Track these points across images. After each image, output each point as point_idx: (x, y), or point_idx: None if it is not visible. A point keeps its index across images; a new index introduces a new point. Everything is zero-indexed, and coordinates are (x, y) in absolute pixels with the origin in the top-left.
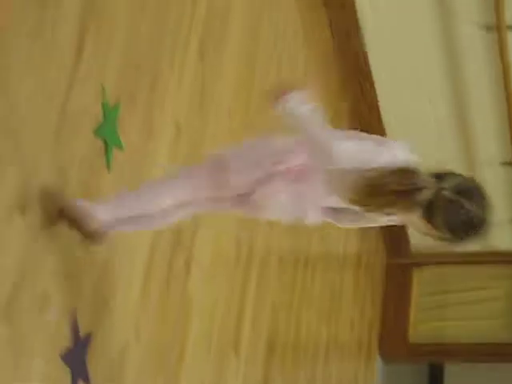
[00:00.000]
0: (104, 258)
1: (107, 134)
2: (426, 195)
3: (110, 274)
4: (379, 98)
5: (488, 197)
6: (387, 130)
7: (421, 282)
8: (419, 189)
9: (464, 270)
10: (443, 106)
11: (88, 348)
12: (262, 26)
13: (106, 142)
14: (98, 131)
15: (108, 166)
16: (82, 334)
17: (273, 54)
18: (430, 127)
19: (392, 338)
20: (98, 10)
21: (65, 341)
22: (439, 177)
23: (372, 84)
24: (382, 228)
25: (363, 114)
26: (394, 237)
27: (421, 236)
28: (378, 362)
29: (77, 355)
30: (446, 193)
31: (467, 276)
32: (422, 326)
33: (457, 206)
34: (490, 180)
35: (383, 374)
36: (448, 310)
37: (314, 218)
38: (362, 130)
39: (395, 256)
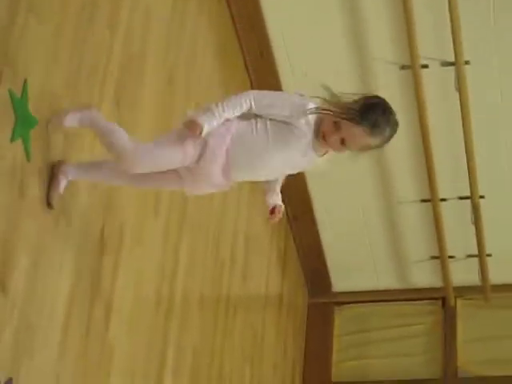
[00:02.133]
0: (22, 308)
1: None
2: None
3: (28, 324)
4: None
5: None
6: None
7: (342, 320)
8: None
9: (384, 308)
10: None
11: None
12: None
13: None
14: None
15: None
16: (2, 380)
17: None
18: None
19: (315, 377)
20: (11, 57)
21: None
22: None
23: None
24: (303, 267)
25: None
26: (315, 276)
27: None
28: None
29: None
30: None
31: (388, 314)
32: (344, 365)
33: (376, 105)
34: (410, 217)
35: None
36: (370, 347)
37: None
38: None
39: (316, 295)
